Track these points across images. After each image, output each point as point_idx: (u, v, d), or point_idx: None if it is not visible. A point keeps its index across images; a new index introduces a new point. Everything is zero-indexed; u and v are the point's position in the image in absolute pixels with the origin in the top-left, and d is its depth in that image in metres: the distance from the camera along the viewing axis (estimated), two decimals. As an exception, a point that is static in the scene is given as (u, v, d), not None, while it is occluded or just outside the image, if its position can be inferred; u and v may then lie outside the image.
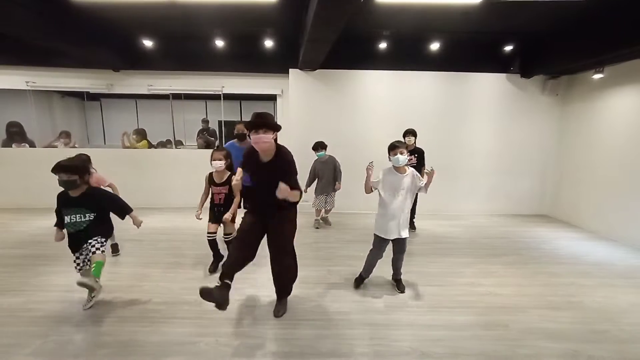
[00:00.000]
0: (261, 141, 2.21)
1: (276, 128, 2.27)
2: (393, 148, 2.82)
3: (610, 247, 4.41)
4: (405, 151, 2.80)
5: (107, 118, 8.42)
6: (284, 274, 2.55)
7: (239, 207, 3.37)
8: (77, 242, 2.59)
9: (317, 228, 4.96)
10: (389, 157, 2.85)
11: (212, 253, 3.40)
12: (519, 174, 5.98)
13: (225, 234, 3.33)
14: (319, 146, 4.71)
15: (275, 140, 2.34)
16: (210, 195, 3.29)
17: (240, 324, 2.49)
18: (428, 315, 2.67)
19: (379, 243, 2.94)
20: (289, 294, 2.70)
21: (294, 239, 2.61)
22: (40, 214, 5.30)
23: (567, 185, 5.71)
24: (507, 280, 3.33)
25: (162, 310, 2.65)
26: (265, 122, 2.20)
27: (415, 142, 4.47)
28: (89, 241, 2.57)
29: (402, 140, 2.85)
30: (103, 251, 2.59)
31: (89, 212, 2.50)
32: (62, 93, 7.52)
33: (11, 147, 5.79)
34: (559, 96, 5.75)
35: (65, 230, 2.61)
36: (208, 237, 3.30)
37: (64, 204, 2.50)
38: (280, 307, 2.62)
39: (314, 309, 2.72)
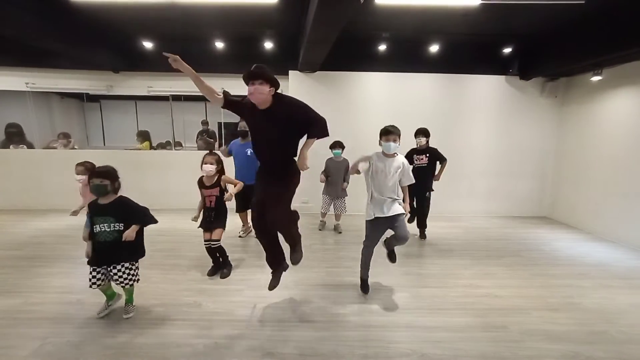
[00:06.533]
0: (256, 92, 2.13)
1: (273, 81, 2.18)
2: (386, 133, 2.74)
3: (609, 249, 4.42)
4: (398, 139, 2.73)
5: (106, 119, 8.41)
6: (281, 220, 2.38)
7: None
8: (102, 255, 2.42)
9: (320, 230, 4.89)
10: (380, 142, 2.79)
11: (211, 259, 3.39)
12: (518, 175, 5.99)
13: (212, 240, 3.21)
14: (337, 145, 4.60)
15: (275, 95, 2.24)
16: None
17: (239, 326, 2.48)
18: (427, 317, 2.66)
19: (372, 226, 2.82)
20: (299, 239, 2.62)
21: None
22: (38, 215, 5.29)
23: (566, 186, 5.72)
24: (507, 282, 3.33)
25: (160, 312, 2.65)
26: (262, 74, 2.13)
27: (427, 143, 4.31)
28: (119, 267, 2.43)
29: (393, 129, 2.75)
30: (135, 281, 2.53)
31: (115, 221, 2.38)
32: (62, 94, 7.51)
33: (9, 148, 5.78)
34: (558, 98, 5.77)
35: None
36: (205, 244, 3.25)
37: (94, 212, 2.40)
38: (295, 254, 2.58)
39: (314, 311, 2.72)
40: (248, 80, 2.17)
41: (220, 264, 3.38)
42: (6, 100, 6.53)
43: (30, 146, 5.96)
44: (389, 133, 2.72)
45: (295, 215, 2.68)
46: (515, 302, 2.94)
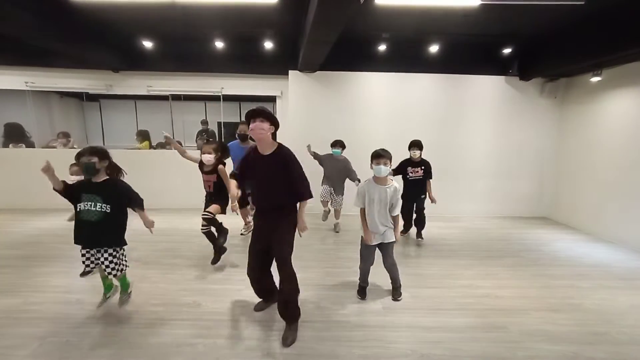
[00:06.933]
0: (257, 128, 2.24)
1: (272, 120, 2.30)
2: (377, 157, 2.71)
3: (609, 249, 4.42)
4: (389, 162, 2.72)
5: (106, 119, 8.41)
6: (287, 281, 2.35)
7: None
8: (86, 237, 2.36)
9: (324, 220, 4.81)
10: (371, 166, 2.77)
11: (211, 246, 3.45)
12: (517, 175, 5.99)
13: (208, 212, 3.34)
14: (338, 144, 4.61)
15: (275, 137, 2.36)
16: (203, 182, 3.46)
17: (239, 326, 2.48)
18: (427, 318, 2.66)
19: (365, 249, 2.88)
20: (298, 315, 2.42)
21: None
22: (36, 215, 5.29)
23: (566, 187, 5.73)
24: (506, 283, 3.33)
25: (160, 311, 2.64)
26: (262, 111, 2.27)
27: (420, 155, 4.34)
28: (105, 255, 2.41)
29: (384, 152, 2.76)
30: (123, 269, 2.51)
31: (101, 202, 2.30)
32: (61, 93, 7.51)
33: (8, 147, 5.77)
34: (557, 99, 5.77)
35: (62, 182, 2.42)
36: (202, 215, 3.37)
37: (82, 189, 2.34)
38: (289, 333, 2.34)
39: (313, 311, 2.72)
40: (249, 118, 2.28)
41: (216, 244, 3.45)
42: (6, 100, 6.53)
43: (30, 145, 5.96)
44: (379, 156, 2.71)
45: (295, 284, 2.43)
46: (516, 302, 2.94)
